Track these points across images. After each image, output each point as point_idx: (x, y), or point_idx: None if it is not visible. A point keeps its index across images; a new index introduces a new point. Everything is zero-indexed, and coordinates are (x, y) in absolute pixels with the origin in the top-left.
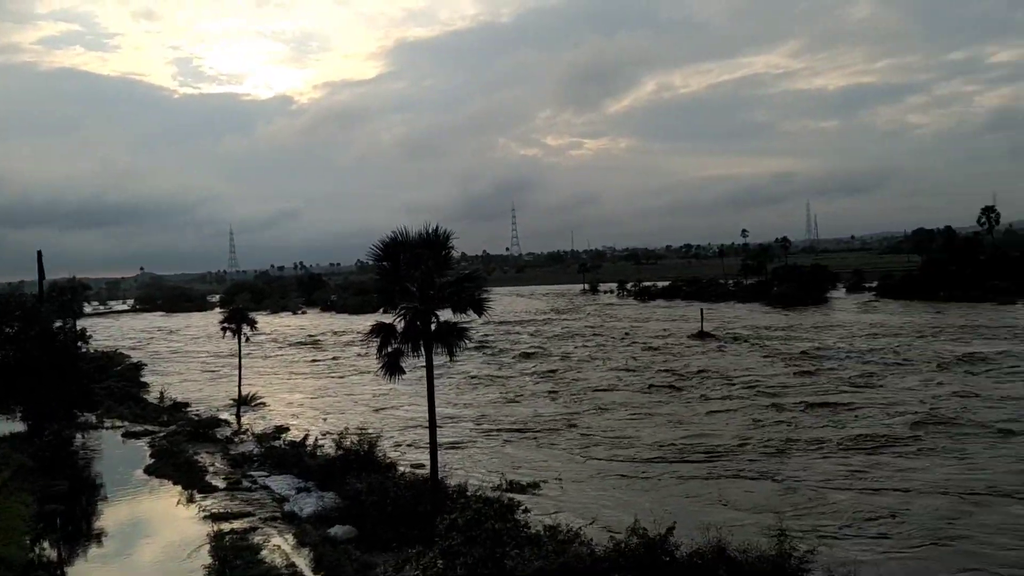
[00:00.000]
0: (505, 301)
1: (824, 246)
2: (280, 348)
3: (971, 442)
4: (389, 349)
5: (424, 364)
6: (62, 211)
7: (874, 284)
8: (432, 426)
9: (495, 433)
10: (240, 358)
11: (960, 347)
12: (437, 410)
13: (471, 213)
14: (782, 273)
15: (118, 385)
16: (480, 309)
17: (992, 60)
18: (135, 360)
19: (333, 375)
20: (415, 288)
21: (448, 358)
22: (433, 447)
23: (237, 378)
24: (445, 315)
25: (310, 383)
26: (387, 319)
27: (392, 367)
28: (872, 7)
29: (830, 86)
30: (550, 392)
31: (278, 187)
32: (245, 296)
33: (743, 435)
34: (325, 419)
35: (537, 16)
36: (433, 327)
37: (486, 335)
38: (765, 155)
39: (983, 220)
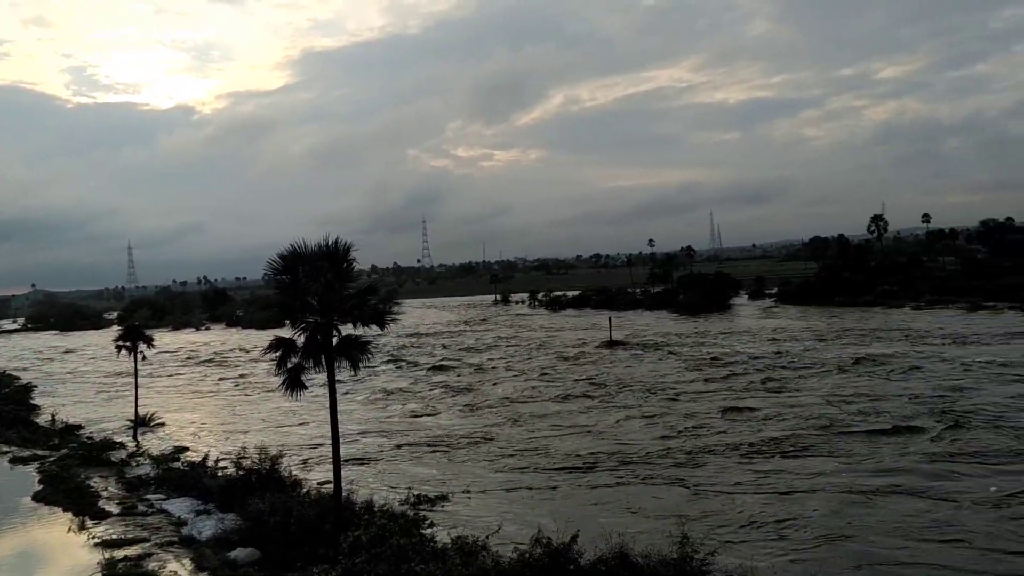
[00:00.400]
0: (417, 313)
1: (728, 254)
2: (184, 366)
3: (867, 443)
4: (289, 364)
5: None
6: None
7: (774, 291)
8: (335, 442)
9: (408, 447)
10: (136, 377)
11: (861, 349)
12: (349, 426)
13: (383, 225)
14: (687, 281)
15: (6, 408)
16: (382, 322)
17: (879, 76)
18: (25, 382)
19: (240, 393)
20: (316, 302)
21: (353, 372)
22: (336, 463)
23: (134, 398)
24: (352, 329)
25: (215, 402)
26: (288, 333)
27: (293, 383)
28: (768, 25)
29: (731, 99)
30: (466, 405)
31: (181, 200)
32: (145, 312)
33: (655, 442)
34: (228, 438)
35: (445, 29)
36: (335, 341)
37: (400, 347)
38: (671, 166)
39: (872, 228)
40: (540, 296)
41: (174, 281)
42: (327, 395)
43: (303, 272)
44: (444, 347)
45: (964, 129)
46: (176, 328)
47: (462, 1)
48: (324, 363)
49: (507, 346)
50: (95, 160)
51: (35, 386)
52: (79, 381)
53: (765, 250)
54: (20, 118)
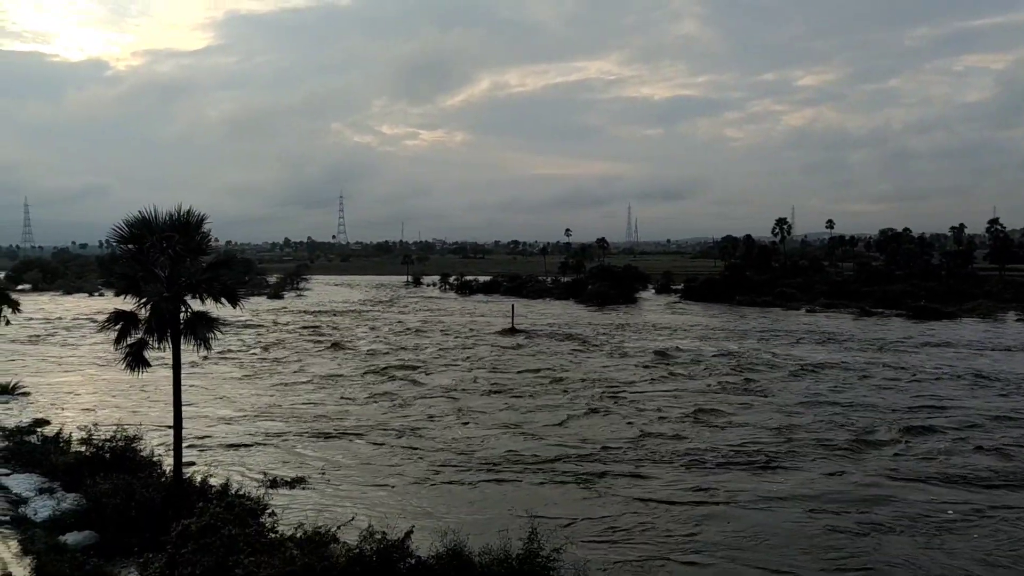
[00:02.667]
0: (326, 290)
1: (643, 248)
2: (71, 335)
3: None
4: (130, 340)
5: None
6: None
7: (681, 286)
8: (177, 422)
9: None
10: None
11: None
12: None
13: (300, 199)
14: (597, 272)
15: None
16: (234, 299)
17: (798, 83)
18: None
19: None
20: (164, 274)
21: (205, 349)
22: (177, 444)
23: None
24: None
25: (103, 373)
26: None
27: (136, 359)
28: (695, 25)
29: (656, 96)
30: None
31: (87, 160)
32: (35, 274)
33: (570, 437)
34: (95, 412)
35: (376, 2)
36: (183, 317)
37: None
38: (594, 158)
39: (776, 231)
40: (452, 280)
41: (73, 243)
42: (239, 376)
43: (151, 243)
44: (348, 327)
45: (871, 141)
46: (68, 292)
47: None
48: (170, 340)
49: (405, 330)
50: None
51: None
52: None
53: (680, 246)
54: None
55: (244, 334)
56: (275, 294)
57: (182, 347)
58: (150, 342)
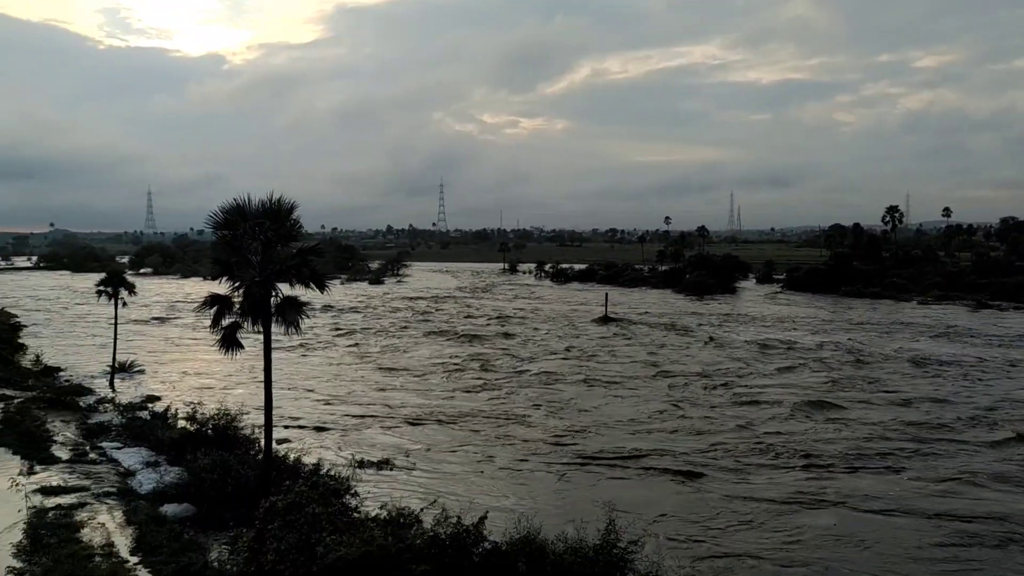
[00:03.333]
0: (424, 276)
1: (746, 236)
2: (183, 315)
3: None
4: (224, 323)
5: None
6: None
7: (783, 276)
8: (268, 403)
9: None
10: (116, 323)
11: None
12: (348, 389)
13: (403, 187)
14: (695, 261)
15: None
16: (322, 285)
17: (917, 64)
18: (16, 320)
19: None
20: (256, 259)
21: (294, 331)
22: (268, 424)
23: (112, 343)
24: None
25: (214, 354)
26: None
27: (229, 341)
28: (807, 6)
29: (763, 79)
30: (477, 381)
31: (206, 150)
32: (155, 259)
33: (663, 425)
34: (206, 392)
35: None
36: (275, 301)
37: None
38: (697, 144)
39: (888, 219)
40: (547, 268)
41: (191, 229)
42: (337, 359)
43: (244, 229)
44: (449, 312)
45: (993, 124)
46: (185, 276)
47: None
48: (261, 323)
49: (496, 317)
50: (124, 105)
51: (24, 325)
52: (78, 323)
53: (784, 234)
54: (51, 57)
55: (345, 318)
56: (376, 280)
57: (272, 330)
58: (243, 325)
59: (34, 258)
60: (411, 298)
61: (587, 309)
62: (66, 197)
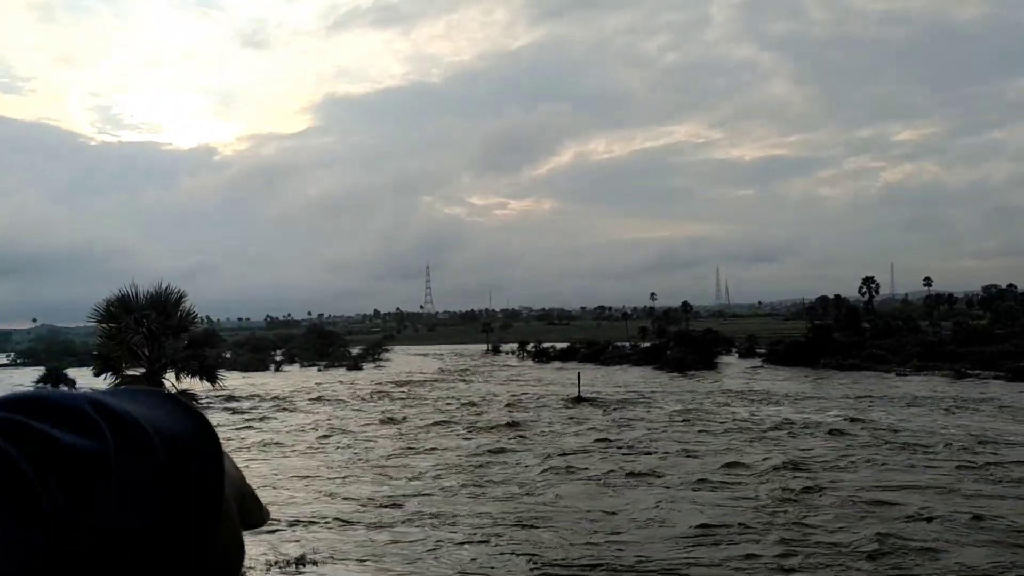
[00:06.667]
0: (403, 359)
1: (734, 310)
2: None
3: None
4: None
5: None
6: None
7: (764, 350)
8: None
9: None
10: None
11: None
12: None
13: (392, 271)
14: (677, 337)
15: None
16: (213, 378)
17: (896, 138)
18: None
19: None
20: (146, 352)
21: None
22: None
23: None
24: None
25: None
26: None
27: None
28: (785, 85)
29: (747, 156)
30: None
31: (197, 241)
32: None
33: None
34: None
35: (464, 81)
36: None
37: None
38: (683, 219)
39: (863, 290)
40: (528, 347)
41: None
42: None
43: (126, 322)
44: (429, 397)
45: (972, 195)
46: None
47: (484, 52)
48: None
49: (455, 402)
50: (116, 198)
51: None
52: None
53: (774, 307)
54: (44, 154)
55: (310, 410)
56: (354, 366)
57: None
58: None
59: (11, 355)
60: (383, 383)
61: (563, 389)
62: (52, 292)
